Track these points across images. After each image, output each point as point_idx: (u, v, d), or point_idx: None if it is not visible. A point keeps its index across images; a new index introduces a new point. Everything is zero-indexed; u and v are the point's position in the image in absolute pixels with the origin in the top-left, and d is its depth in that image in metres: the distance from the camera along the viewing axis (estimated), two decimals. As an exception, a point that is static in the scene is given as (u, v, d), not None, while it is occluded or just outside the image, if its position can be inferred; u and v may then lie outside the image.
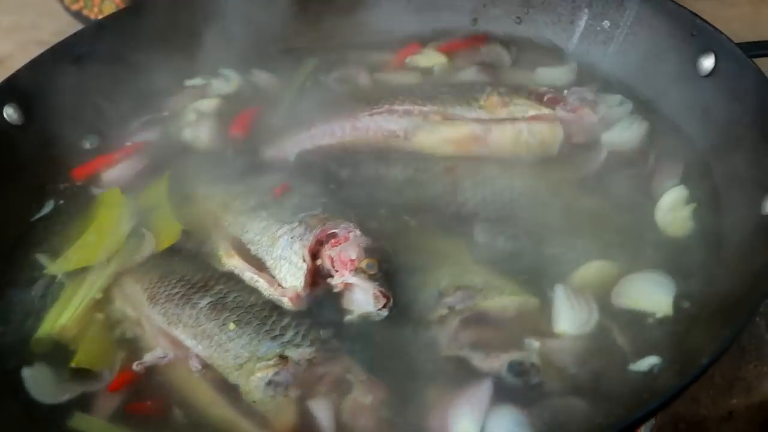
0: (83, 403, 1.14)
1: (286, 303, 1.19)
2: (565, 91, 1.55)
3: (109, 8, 2.21)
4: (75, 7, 2.31)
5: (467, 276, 1.17)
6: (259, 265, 1.24)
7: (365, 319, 1.15)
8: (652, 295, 1.17)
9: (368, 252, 1.17)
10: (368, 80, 1.72)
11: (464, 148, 1.46)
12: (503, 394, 1.06)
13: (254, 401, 1.06)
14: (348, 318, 1.16)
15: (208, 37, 1.67)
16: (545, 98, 1.52)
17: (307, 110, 1.59)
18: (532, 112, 1.47)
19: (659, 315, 1.15)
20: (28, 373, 1.18)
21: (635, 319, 1.16)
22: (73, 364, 1.18)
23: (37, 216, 1.46)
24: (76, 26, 2.16)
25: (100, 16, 2.19)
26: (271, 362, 1.07)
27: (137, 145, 1.59)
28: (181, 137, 1.59)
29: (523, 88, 1.55)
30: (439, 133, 1.47)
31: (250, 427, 1.05)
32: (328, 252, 1.19)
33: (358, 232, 1.19)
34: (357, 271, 1.15)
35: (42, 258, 1.36)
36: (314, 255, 1.20)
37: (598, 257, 1.24)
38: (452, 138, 1.46)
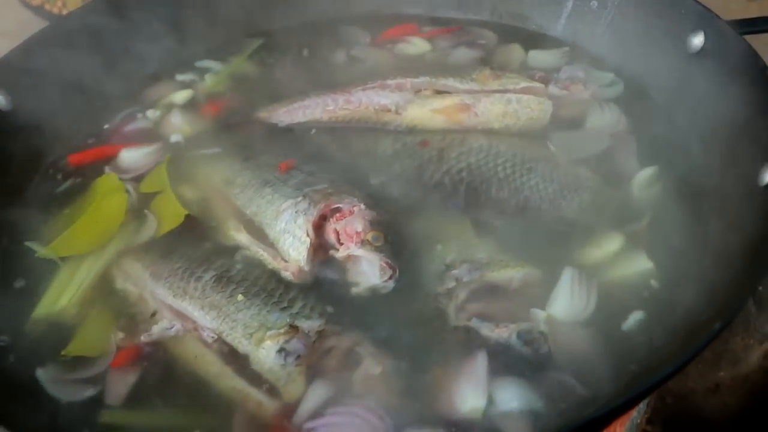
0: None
1: (289, 277, 1.18)
2: (556, 74, 1.59)
3: (74, 2, 2.14)
4: (36, 2, 2.22)
5: (472, 250, 1.18)
6: (263, 239, 1.23)
7: (372, 292, 1.15)
8: (642, 266, 1.20)
9: (374, 225, 1.17)
10: (359, 57, 1.73)
11: (454, 119, 1.47)
12: (508, 364, 1.07)
13: (264, 370, 1.06)
14: (355, 290, 1.16)
15: (191, 26, 1.68)
16: (537, 76, 1.55)
17: (298, 84, 1.60)
18: (523, 84, 1.50)
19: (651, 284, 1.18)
20: (42, 374, 1.13)
21: (628, 288, 1.18)
22: (63, 353, 1.14)
23: (32, 201, 1.42)
24: (38, 18, 2.15)
25: (64, 11, 2.14)
26: (282, 331, 1.07)
27: (127, 134, 1.57)
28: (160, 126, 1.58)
29: (515, 66, 1.61)
30: (429, 106, 1.48)
31: (260, 396, 1.04)
32: (333, 225, 1.18)
33: (362, 206, 1.19)
34: (363, 243, 1.15)
35: (34, 245, 1.31)
36: (317, 229, 1.19)
37: (589, 230, 1.26)
38: (442, 108, 1.47)
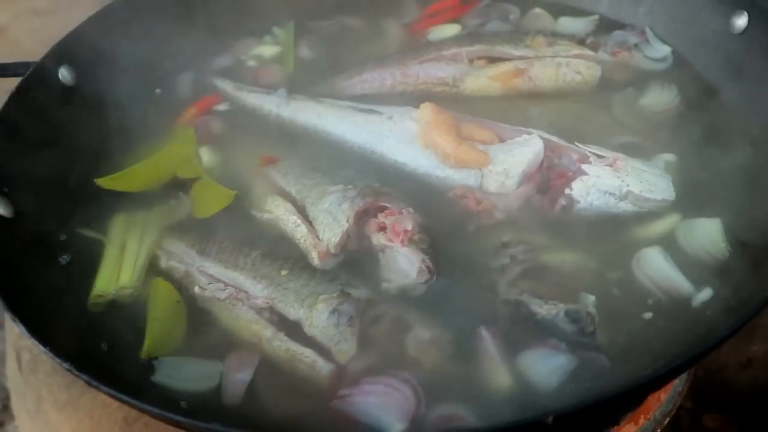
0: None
1: (315, 256, 1.19)
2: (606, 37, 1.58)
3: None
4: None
5: (529, 233, 1.22)
6: (303, 215, 1.26)
7: (402, 291, 1.15)
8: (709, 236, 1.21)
9: (422, 228, 1.19)
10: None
11: (509, 85, 1.50)
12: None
13: (316, 332, 1.08)
14: (385, 285, 1.16)
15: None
16: (587, 41, 1.57)
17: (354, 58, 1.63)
18: (575, 51, 1.53)
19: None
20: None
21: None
22: (143, 356, 1.12)
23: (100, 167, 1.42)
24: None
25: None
26: (335, 295, 1.10)
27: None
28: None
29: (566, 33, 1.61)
30: (485, 74, 1.51)
31: (314, 356, 1.07)
32: (380, 219, 1.19)
33: (411, 210, 1.21)
34: (410, 241, 1.16)
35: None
36: (357, 221, 1.21)
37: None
38: (498, 75, 1.50)
